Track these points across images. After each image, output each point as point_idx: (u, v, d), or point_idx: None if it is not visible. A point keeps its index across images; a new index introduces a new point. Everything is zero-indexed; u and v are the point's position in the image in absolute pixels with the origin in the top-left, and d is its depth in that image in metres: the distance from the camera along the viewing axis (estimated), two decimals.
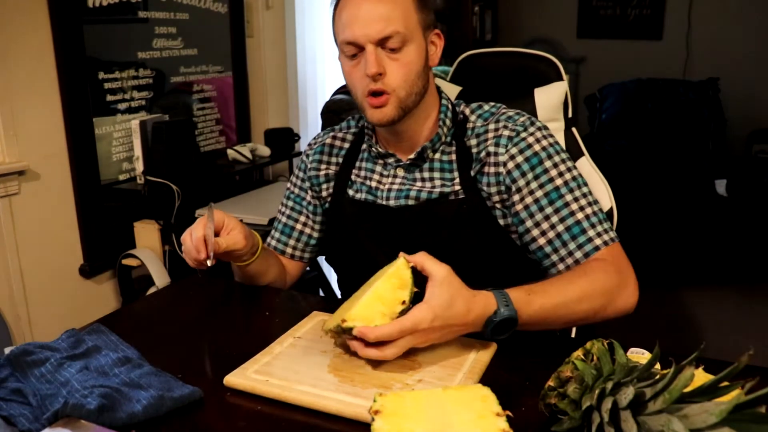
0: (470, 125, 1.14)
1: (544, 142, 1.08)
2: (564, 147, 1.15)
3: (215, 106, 2.70)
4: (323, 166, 1.25)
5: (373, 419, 0.68)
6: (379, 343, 0.81)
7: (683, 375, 0.54)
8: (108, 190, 2.21)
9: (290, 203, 1.29)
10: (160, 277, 2.10)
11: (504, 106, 1.16)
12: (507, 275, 1.07)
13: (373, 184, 1.18)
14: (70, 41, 2.01)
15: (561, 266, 1.05)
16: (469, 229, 1.10)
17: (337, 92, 2.30)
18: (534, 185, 1.06)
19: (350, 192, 1.20)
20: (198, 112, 2.62)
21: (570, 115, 1.39)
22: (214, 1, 2.61)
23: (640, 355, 0.84)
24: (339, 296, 1.37)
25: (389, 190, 1.15)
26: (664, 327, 2.88)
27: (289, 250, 1.28)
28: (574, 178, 1.07)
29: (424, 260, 0.85)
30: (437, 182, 1.13)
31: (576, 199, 1.05)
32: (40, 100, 1.97)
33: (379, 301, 0.84)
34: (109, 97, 2.19)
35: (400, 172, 1.16)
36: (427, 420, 0.68)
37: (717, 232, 3.36)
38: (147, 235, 2.18)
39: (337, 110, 2.15)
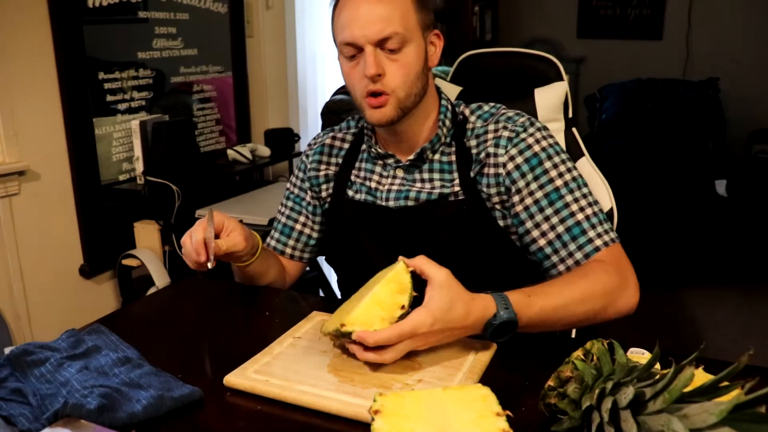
0: (470, 126, 1.14)
1: (544, 143, 1.08)
2: (564, 147, 1.15)
3: (215, 106, 2.70)
4: (323, 167, 1.25)
5: (373, 419, 0.68)
6: (379, 347, 0.81)
7: (683, 375, 0.54)
8: (108, 190, 2.21)
9: (290, 203, 1.29)
10: (160, 278, 2.10)
11: (504, 106, 1.16)
12: (506, 276, 1.07)
13: (373, 184, 1.18)
14: (70, 41, 2.01)
15: (561, 267, 1.05)
16: (469, 230, 1.10)
17: (337, 92, 2.30)
18: (534, 186, 1.06)
19: (350, 193, 1.20)
20: (198, 113, 2.62)
21: (570, 115, 1.39)
22: (214, 1, 2.61)
23: (640, 355, 0.84)
24: (339, 296, 1.37)
25: (389, 190, 1.15)
26: (664, 327, 2.88)
27: (288, 251, 1.28)
28: (574, 179, 1.07)
29: (424, 264, 0.85)
30: (437, 183, 1.13)
31: (576, 200, 1.05)
32: (40, 101, 1.97)
33: (378, 306, 0.83)
34: (109, 97, 2.19)
35: (400, 173, 1.16)
36: (427, 420, 0.68)
37: (717, 232, 3.36)
38: (147, 235, 2.18)
39: (337, 110, 2.15)
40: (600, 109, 4.25)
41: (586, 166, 1.33)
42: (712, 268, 3.37)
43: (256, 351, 0.89)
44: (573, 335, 1.22)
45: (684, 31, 4.34)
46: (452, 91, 1.44)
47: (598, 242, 1.03)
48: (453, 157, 1.13)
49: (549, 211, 1.05)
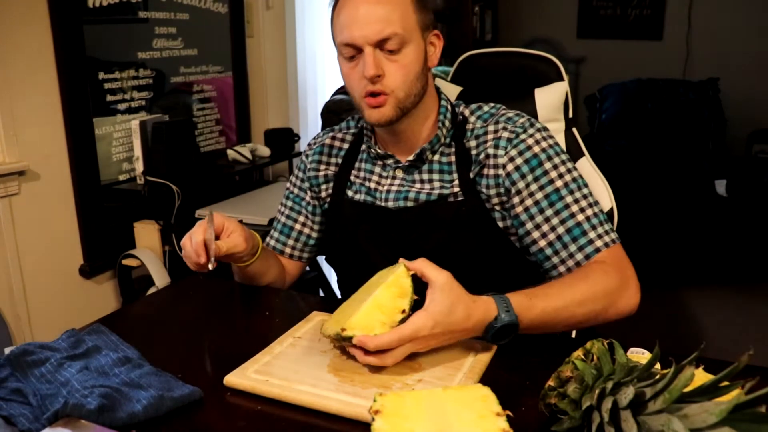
0: (470, 126, 1.14)
1: (544, 144, 1.08)
2: (564, 148, 1.15)
3: (215, 106, 2.70)
4: (322, 167, 1.25)
5: (373, 419, 0.68)
6: (379, 351, 0.81)
7: (683, 375, 0.54)
8: (108, 190, 2.21)
9: (289, 203, 1.29)
10: (160, 278, 2.10)
11: (504, 107, 1.16)
12: (506, 277, 1.07)
13: (372, 185, 1.18)
14: (70, 41, 2.01)
15: (562, 268, 1.05)
16: (468, 231, 1.10)
17: (337, 92, 2.30)
18: (534, 187, 1.06)
19: (349, 193, 1.20)
20: (198, 113, 2.62)
21: (570, 115, 1.39)
22: (214, 1, 2.61)
23: (640, 355, 0.84)
24: (339, 296, 1.37)
25: (388, 191, 1.15)
26: (664, 327, 2.88)
27: (288, 250, 1.28)
28: (574, 180, 1.07)
29: (424, 266, 0.85)
30: (436, 184, 1.13)
31: (576, 201, 1.05)
32: (40, 101, 1.97)
33: (378, 310, 0.83)
34: (109, 98, 2.19)
35: (399, 174, 1.16)
36: (427, 420, 0.68)
37: (717, 232, 3.36)
38: (147, 235, 2.18)
39: (337, 110, 2.15)
40: (600, 109, 4.25)
41: (586, 166, 1.33)
42: (712, 268, 3.37)
43: (256, 351, 0.89)
44: (573, 335, 1.21)
45: (684, 31, 4.34)
46: (452, 91, 1.44)
47: (599, 243, 1.03)
48: (452, 158, 1.13)
49: (549, 212, 1.05)
